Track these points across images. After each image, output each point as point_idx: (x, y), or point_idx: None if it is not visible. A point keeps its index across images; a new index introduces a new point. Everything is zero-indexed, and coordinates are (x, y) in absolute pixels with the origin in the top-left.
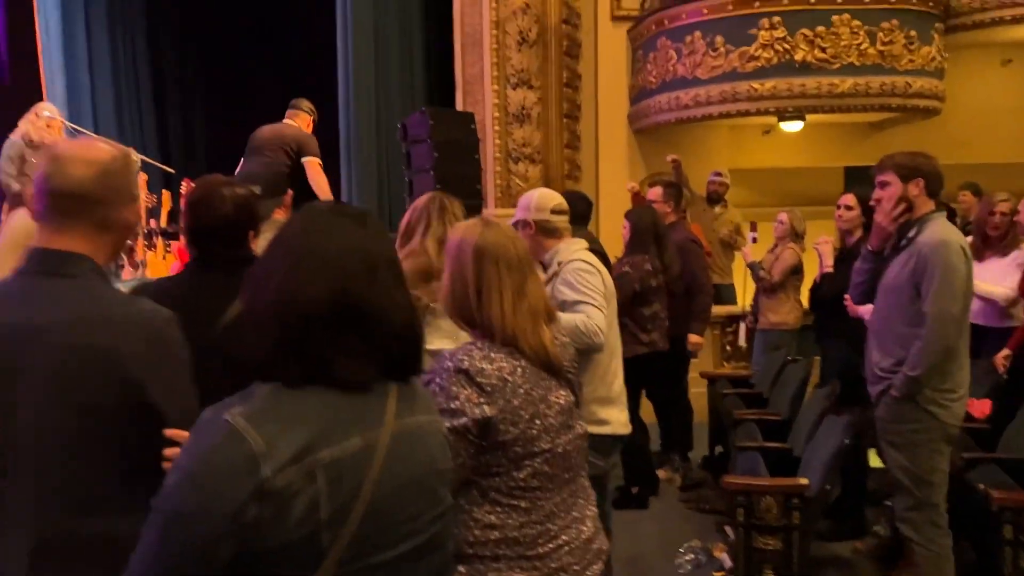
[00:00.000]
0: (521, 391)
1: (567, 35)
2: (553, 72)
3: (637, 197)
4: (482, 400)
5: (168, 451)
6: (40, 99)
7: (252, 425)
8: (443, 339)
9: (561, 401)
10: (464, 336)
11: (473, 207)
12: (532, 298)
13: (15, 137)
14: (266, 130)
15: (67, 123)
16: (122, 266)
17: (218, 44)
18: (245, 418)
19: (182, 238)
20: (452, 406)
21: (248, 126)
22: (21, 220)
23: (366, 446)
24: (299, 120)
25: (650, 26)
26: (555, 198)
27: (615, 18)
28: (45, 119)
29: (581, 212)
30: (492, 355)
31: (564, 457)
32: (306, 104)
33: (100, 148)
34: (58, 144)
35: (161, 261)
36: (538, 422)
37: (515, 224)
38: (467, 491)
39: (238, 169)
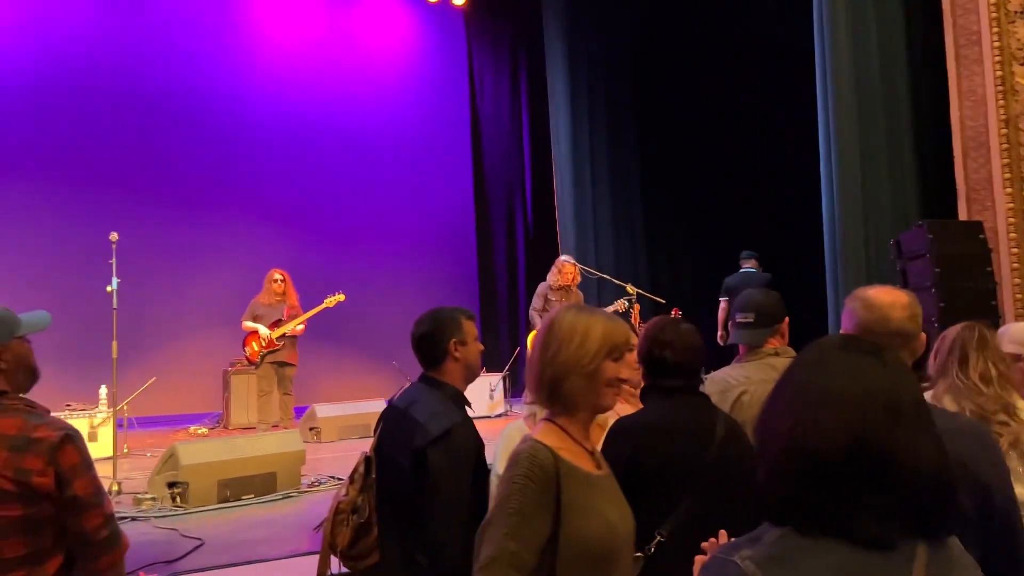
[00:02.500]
0: None
1: None
2: None
3: None
4: None
5: None
6: (556, 249)
7: (762, 571)
8: None
9: None
10: None
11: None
12: None
13: (544, 283)
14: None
15: (583, 268)
16: None
17: (702, 188)
18: (755, 563)
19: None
20: None
21: (724, 263)
22: None
23: None
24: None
25: None
26: None
27: None
28: (560, 265)
29: None
30: None
31: None
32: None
33: (900, 293)
34: (866, 294)
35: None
36: None
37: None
38: None
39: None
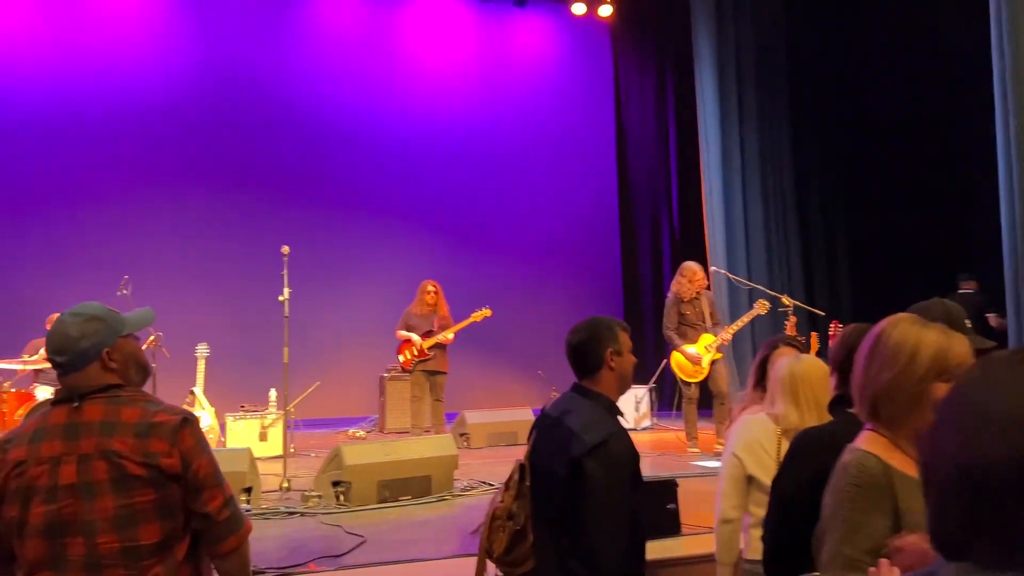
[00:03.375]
0: None
1: None
2: None
3: None
4: None
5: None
6: (704, 254)
7: None
8: None
9: None
10: None
11: None
12: None
13: (671, 296)
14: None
15: (735, 278)
16: None
17: (861, 196)
18: None
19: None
20: None
21: (884, 276)
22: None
23: None
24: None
25: None
26: None
27: None
28: (689, 273)
29: None
30: None
31: None
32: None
33: None
34: None
35: None
36: None
37: None
38: None
39: None
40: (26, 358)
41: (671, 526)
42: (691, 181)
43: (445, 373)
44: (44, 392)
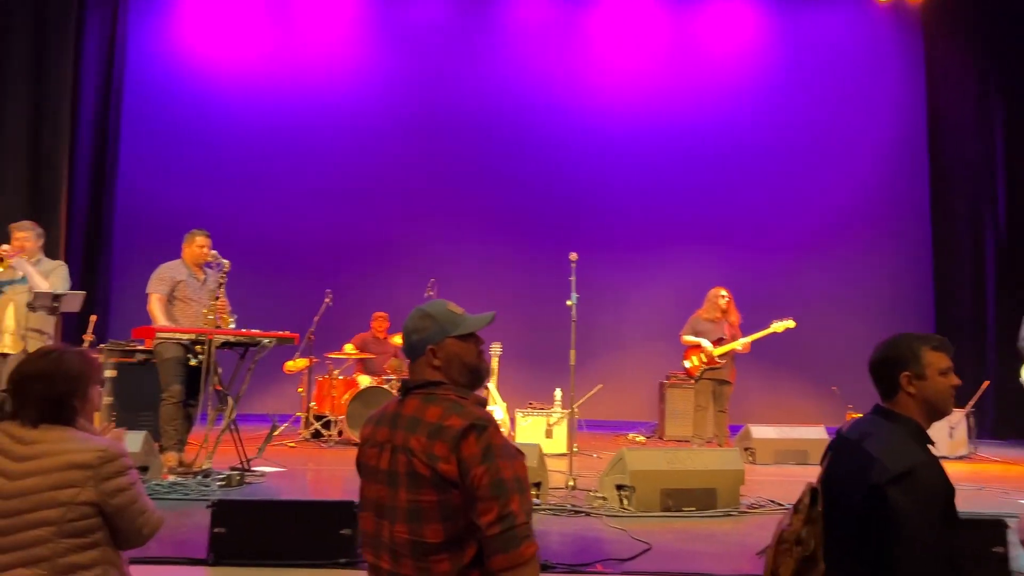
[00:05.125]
0: None
1: None
2: None
3: None
4: None
5: None
6: None
7: None
8: None
9: None
10: None
11: None
12: None
13: None
14: None
15: None
16: None
17: None
18: None
19: None
20: None
21: None
22: None
23: None
24: None
25: None
26: None
27: None
28: None
29: None
30: None
31: None
32: None
33: None
34: None
35: None
36: None
37: None
38: None
39: None
40: (348, 349)
41: (998, 573)
42: (1022, 181)
43: (732, 384)
44: (365, 380)
